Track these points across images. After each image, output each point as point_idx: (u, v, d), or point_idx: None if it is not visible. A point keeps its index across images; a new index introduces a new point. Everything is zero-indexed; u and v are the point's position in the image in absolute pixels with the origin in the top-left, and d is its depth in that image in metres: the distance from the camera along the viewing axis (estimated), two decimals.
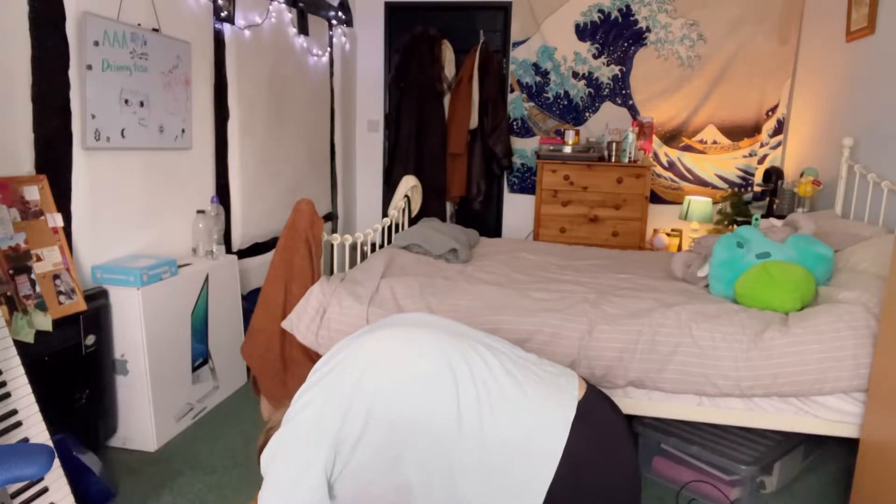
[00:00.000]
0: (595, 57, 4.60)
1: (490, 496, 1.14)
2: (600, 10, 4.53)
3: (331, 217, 4.68)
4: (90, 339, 2.27)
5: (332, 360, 1.23)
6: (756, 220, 3.17)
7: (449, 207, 4.79)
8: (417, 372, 1.17)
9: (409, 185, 3.47)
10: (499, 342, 1.32)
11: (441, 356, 1.19)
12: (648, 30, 4.50)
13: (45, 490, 1.76)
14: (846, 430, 2.07)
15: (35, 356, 1.99)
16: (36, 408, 1.79)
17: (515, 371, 1.22)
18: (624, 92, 4.61)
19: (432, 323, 1.31)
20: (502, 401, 1.16)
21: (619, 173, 4.18)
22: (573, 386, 1.24)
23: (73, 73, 2.28)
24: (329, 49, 4.42)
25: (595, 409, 1.23)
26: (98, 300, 2.32)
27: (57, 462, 1.79)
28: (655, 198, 4.56)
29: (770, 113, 4.38)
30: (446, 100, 4.68)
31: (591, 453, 1.17)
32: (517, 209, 4.89)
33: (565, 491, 1.13)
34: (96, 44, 2.33)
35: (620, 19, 4.52)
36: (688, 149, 4.58)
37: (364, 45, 4.94)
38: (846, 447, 2.34)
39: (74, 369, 2.21)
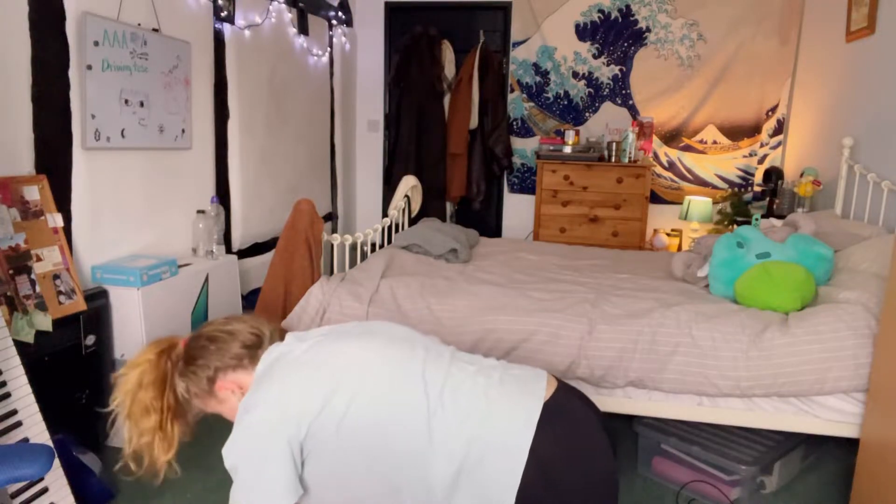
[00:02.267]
0: (595, 57, 4.60)
1: (463, 500, 1.18)
2: (600, 10, 4.53)
3: (331, 217, 4.68)
4: (90, 339, 2.27)
5: (292, 365, 1.25)
6: (756, 220, 3.18)
7: (449, 207, 4.79)
8: (393, 389, 1.20)
9: (409, 185, 3.47)
10: (463, 354, 1.35)
11: (414, 373, 1.22)
12: (648, 30, 4.50)
13: (45, 490, 1.76)
14: (846, 430, 2.08)
15: (35, 356, 1.99)
16: (36, 408, 1.79)
17: (482, 381, 1.25)
18: (624, 92, 4.61)
19: (399, 335, 1.33)
20: (469, 411, 1.20)
21: (619, 173, 4.18)
22: (540, 387, 1.26)
23: (73, 73, 2.28)
24: (329, 49, 4.42)
25: (563, 408, 1.24)
26: (98, 300, 2.32)
27: (57, 462, 1.79)
28: (655, 198, 4.56)
29: (770, 113, 4.38)
30: (446, 100, 4.68)
31: (558, 452, 1.19)
32: (517, 209, 4.88)
33: (536, 491, 1.16)
34: (96, 44, 2.33)
35: (620, 19, 4.52)
36: (688, 149, 4.58)
37: (364, 45, 4.94)
38: (846, 447, 2.34)
39: (74, 369, 2.21)
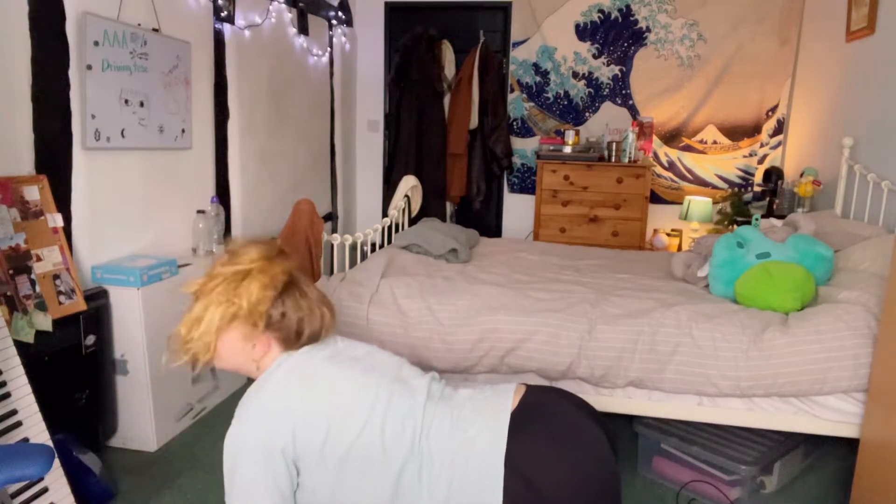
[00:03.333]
0: (595, 57, 4.60)
1: None
2: (600, 10, 4.53)
3: (331, 217, 4.68)
4: (90, 339, 2.27)
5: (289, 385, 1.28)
6: (756, 220, 3.17)
7: (449, 207, 4.79)
8: (391, 436, 1.22)
9: (409, 185, 3.47)
10: (448, 391, 1.36)
11: (413, 418, 1.24)
12: (648, 30, 4.50)
13: (45, 490, 1.76)
14: (846, 430, 2.08)
15: (35, 356, 1.99)
16: (36, 408, 1.79)
17: (456, 415, 1.26)
18: (624, 92, 4.61)
19: (404, 375, 1.34)
20: (445, 452, 1.21)
21: (619, 173, 4.18)
22: (506, 400, 1.27)
23: (73, 73, 2.28)
24: (329, 49, 4.42)
25: (534, 409, 1.25)
26: (98, 300, 2.32)
27: (57, 462, 1.78)
28: (655, 198, 4.56)
29: (770, 113, 4.38)
30: (446, 100, 4.68)
31: (539, 453, 1.19)
32: (517, 209, 4.88)
33: (522, 499, 1.16)
34: (96, 44, 2.33)
35: (620, 19, 4.52)
36: (688, 149, 4.58)
37: (364, 45, 4.94)
38: (846, 447, 2.34)
39: (74, 369, 2.21)
